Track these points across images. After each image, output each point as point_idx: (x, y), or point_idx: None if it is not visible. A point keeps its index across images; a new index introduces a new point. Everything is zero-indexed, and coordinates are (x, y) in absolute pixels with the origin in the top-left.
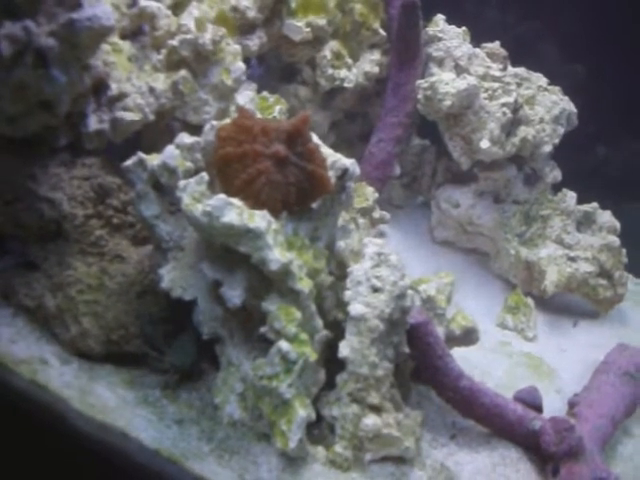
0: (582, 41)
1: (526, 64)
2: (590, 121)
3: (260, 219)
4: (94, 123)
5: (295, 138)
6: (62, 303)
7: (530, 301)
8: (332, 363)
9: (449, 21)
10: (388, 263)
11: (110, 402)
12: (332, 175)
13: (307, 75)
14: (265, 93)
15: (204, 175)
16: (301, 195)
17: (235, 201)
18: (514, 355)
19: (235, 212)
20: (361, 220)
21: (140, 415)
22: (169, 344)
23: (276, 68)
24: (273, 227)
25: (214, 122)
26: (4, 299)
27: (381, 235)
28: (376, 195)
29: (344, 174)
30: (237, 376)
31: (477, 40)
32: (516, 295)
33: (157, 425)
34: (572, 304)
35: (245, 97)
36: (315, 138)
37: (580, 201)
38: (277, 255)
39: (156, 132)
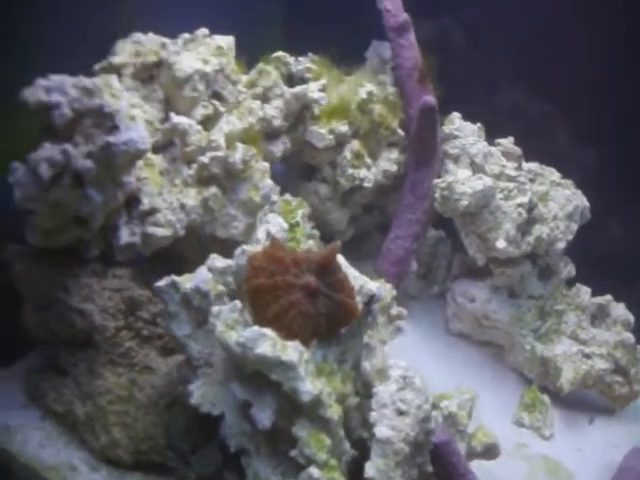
0: (593, 123)
1: (537, 147)
2: (602, 203)
3: (292, 351)
4: (126, 236)
5: (325, 269)
6: (92, 411)
7: (546, 398)
8: (356, 478)
9: (458, 107)
10: (413, 386)
11: None
12: (359, 300)
13: (327, 173)
14: (288, 196)
15: (237, 303)
16: (331, 324)
17: (268, 332)
18: (532, 459)
19: (268, 344)
20: (380, 318)
21: None
22: (195, 453)
23: (297, 166)
24: (305, 358)
25: (245, 247)
26: (32, 400)
27: (398, 331)
28: (394, 292)
29: (371, 300)
30: None
31: (488, 126)
32: (532, 392)
33: None
34: (587, 399)
35: (276, 225)
36: (343, 262)
37: (593, 284)
38: (309, 387)
39: (185, 244)
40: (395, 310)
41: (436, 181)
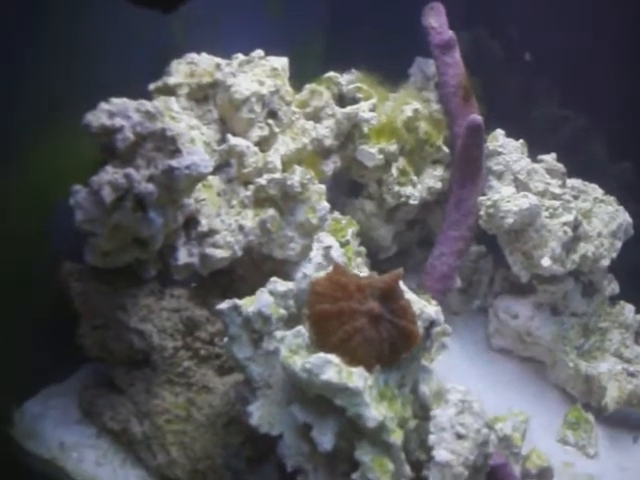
0: (629, 137)
1: (574, 162)
2: None
3: (358, 378)
4: (184, 257)
5: (388, 295)
6: (149, 430)
7: (591, 417)
8: None
9: (499, 124)
10: (471, 410)
11: None
12: (420, 325)
13: (373, 190)
14: (337, 214)
15: (301, 329)
16: (393, 349)
17: (333, 358)
18: (578, 478)
19: (334, 370)
20: None
21: None
22: (252, 472)
23: (343, 182)
24: (369, 383)
25: (306, 271)
26: (87, 416)
27: (443, 347)
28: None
29: (431, 325)
30: None
31: (526, 138)
32: (576, 410)
33: None
34: (631, 417)
35: (337, 251)
36: (406, 292)
37: (633, 300)
38: (374, 413)
39: (239, 265)
40: (440, 327)
41: (481, 198)
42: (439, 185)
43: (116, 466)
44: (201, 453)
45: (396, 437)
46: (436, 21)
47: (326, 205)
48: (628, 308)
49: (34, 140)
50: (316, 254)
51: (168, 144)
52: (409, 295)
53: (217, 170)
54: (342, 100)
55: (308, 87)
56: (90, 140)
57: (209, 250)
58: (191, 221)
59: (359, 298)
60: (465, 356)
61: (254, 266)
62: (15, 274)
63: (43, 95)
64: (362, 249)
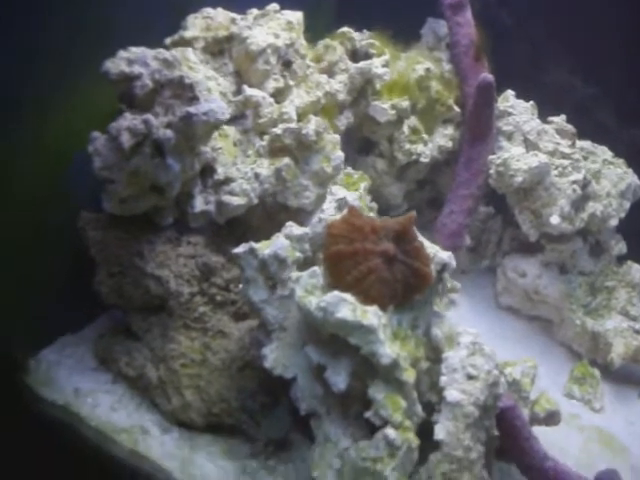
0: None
1: (585, 127)
2: None
3: (372, 316)
4: (200, 204)
5: (402, 236)
6: (164, 375)
7: (597, 372)
8: (421, 439)
9: (504, 86)
10: (482, 352)
11: (211, 473)
12: (432, 268)
13: (384, 148)
14: (349, 169)
15: (316, 269)
16: (406, 290)
17: (348, 297)
18: (585, 429)
19: (349, 308)
20: None
21: None
22: (265, 416)
23: (355, 140)
24: (383, 322)
25: (322, 215)
26: (103, 363)
27: (451, 303)
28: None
29: (443, 268)
30: (334, 452)
31: (539, 105)
32: (582, 366)
33: None
34: (636, 373)
35: (353, 195)
36: (419, 235)
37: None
38: (388, 350)
39: (253, 214)
40: (450, 283)
41: (491, 157)
42: (450, 144)
43: (131, 411)
44: (216, 397)
45: (409, 375)
46: None
47: (340, 154)
48: (635, 268)
49: (51, 93)
50: (329, 206)
51: (186, 91)
52: (423, 240)
53: (233, 121)
54: (355, 56)
55: (322, 42)
56: (108, 92)
57: (225, 197)
58: (208, 169)
59: (374, 239)
60: (473, 314)
61: (269, 217)
62: (33, 225)
63: (60, 48)
64: (374, 205)
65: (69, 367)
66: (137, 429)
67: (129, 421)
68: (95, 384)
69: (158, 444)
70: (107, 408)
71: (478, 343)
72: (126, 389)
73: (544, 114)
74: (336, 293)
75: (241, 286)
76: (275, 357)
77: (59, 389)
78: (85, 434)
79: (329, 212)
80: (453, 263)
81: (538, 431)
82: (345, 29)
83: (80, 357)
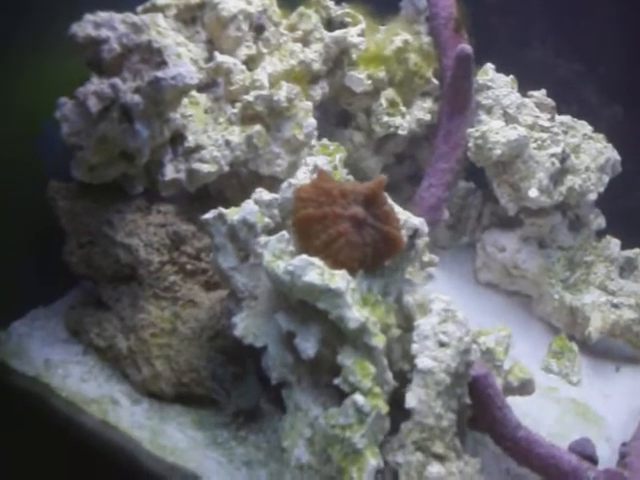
0: (621, 82)
1: (566, 104)
2: (629, 162)
3: (340, 279)
4: (171, 172)
5: (372, 201)
6: (134, 345)
7: (574, 346)
8: (393, 408)
9: (492, 60)
10: (455, 319)
11: (181, 443)
12: (404, 234)
13: (362, 121)
14: (325, 140)
15: (284, 233)
16: (377, 255)
17: (316, 261)
18: (561, 401)
19: (316, 272)
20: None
21: (210, 457)
22: (235, 386)
23: (332, 113)
24: (351, 286)
25: (292, 180)
26: (74, 335)
27: (429, 277)
28: (426, 239)
29: (415, 234)
30: (305, 421)
31: (519, 82)
32: (560, 340)
33: (227, 467)
34: (614, 348)
35: (323, 159)
36: (389, 199)
37: (622, 239)
38: (356, 314)
39: (226, 184)
40: (427, 257)
41: (470, 130)
42: (428, 117)
43: (101, 382)
44: (186, 366)
45: (378, 340)
46: None
47: (312, 121)
48: (614, 242)
49: (19, 60)
50: (304, 176)
51: (154, 56)
52: (394, 206)
53: (204, 88)
54: (330, 25)
55: (297, 11)
56: (76, 60)
57: (196, 165)
58: (178, 137)
59: (343, 203)
60: (452, 289)
61: (241, 187)
62: (1, 195)
63: (28, 13)
64: (350, 178)
65: (40, 339)
66: (107, 400)
67: (99, 392)
68: (66, 355)
69: (128, 414)
70: (77, 379)
71: (450, 310)
72: (97, 360)
73: (526, 90)
74: (304, 257)
75: (211, 254)
76: (245, 326)
77: (29, 361)
78: (55, 405)
79: (304, 179)
80: (425, 229)
81: (514, 404)
82: None
83: (51, 329)
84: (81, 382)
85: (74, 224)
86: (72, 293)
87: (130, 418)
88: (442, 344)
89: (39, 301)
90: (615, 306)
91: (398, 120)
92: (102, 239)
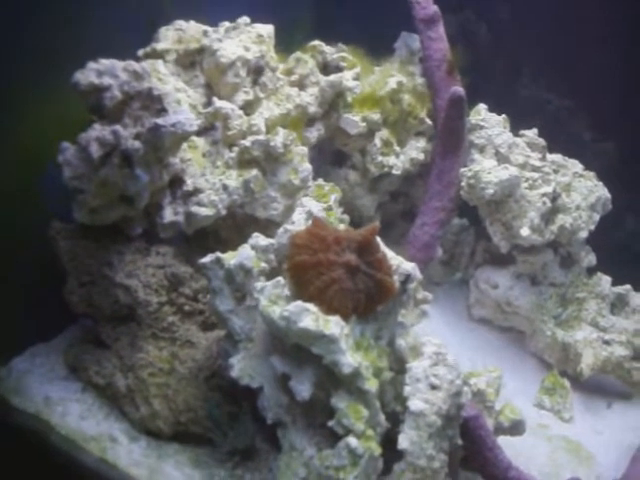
0: (612, 117)
1: (557, 140)
2: (621, 195)
3: (334, 325)
4: (169, 215)
5: (365, 248)
6: (133, 384)
7: (566, 382)
8: (386, 449)
9: (481, 98)
10: (445, 362)
11: None
12: (396, 279)
13: (357, 160)
14: (321, 181)
15: (280, 279)
16: (369, 300)
17: (311, 307)
18: (553, 439)
19: (311, 318)
20: None
21: None
22: (231, 425)
23: (328, 152)
24: (345, 332)
25: (288, 226)
26: (72, 372)
27: (423, 315)
28: (420, 278)
29: (407, 279)
30: (300, 461)
31: (511, 118)
32: (552, 376)
33: None
34: (606, 384)
35: (317, 207)
36: (381, 245)
37: (613, 274)
38: (349, 359)
39: (222, 226)
40: (421, 294)
41: (463, 170)
42: (422, 156)
43: (100, 419)
44: (184, 406)
45: (371, 385)
46: None
47: (308, 167)
48: (605, 279)
49: (22, 103)
50: (299, 217)
51: (154, 103)
52: (386, 251)
53: (203, 132)
54: (326, 69)
55: (293, 55)
56: (79, 102)
57: (194, 208)
58: (177, 180)
59: (337, 250)
60: (446, 325)
61: (238, 229)
62: (4, 234)
63: (32, 59)
64: (345, 217)
65: (40, 376)
66: (106, 437)
67: (98, 429)
68: (65, 393)
69: (126, 452)
70: (77, 417)
71: (441, 353)
72: (95, 398)
73: (520, 127)
74: (299, 303)
75: (208, 296)
76: (241, 367)
77: (30, 397)
78: (55, 442)
79: (299, 223)
80: (417, 274)
81: (507, 441)
82: (316, 42)
83: (51, 366)
84: (80, 420)
85: (75, 264)
86: (71, 329)
87: (128, 456)
88: (434, 387)
89: (39, 337)
90: (606, 343)
91: (392, 160)
92: (102, 279)
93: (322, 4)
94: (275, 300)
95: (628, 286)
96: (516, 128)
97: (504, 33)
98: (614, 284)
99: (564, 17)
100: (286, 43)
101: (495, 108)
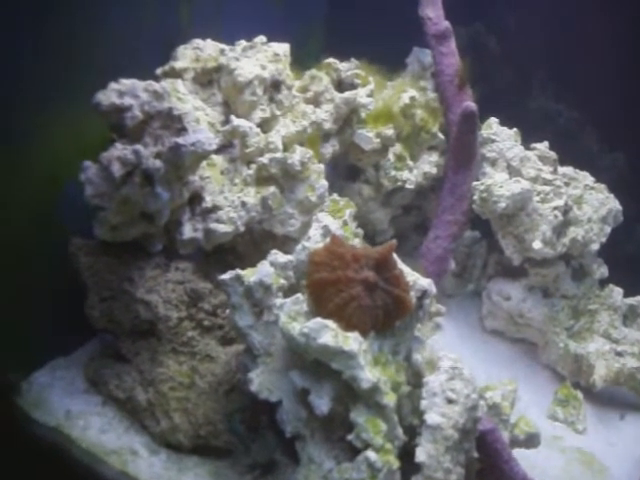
0: (621, 128)
1: (568, 152)
2: (630, 209)
3: (353, 342)
4: (189, 232)
5: (383, 265)
6: (153, 398)
7: (579, 394)
8: (404, 462)
9: (491, 112)
10: (462, 377)
11: None
12: (413, 295)
13: (370, 175)
14: (335, 196)
15: (299, 296)
16: (387, 317)
17: (330, 323)
18: (567, 451)
19: (330, 334)
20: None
21: None
22: (252, 439)
23: (342, 167)
24: (363, 348)
25: (306, 243)
26: (93, 386)
27: (437, 327)
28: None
29: (423, 295)
30: (319, 474)
31: (522, 130)
32: (565, 388)
33: None
34: (618, 395)
35: (335, 224)
36: (398, 262)
37: (622, 285)
38: (368, 375)
39: (240, 242)
40: (434, 307)
41: (475, 184)
42: (434, 170)
43: (120, 433)
44: (203, 419)
45: (389, 399)
46: (432, 12)
47: (325, 183)
48: (617, 291)
49: (45, 122)
50: (315, 233)
51: (174, 122)
52: (403, 267)
53: (221, 150)
54: (341, 86)
55: (308, 73)
56: (100, 121)
57: (213, 225)
58: (196, 198)
59: (355, 267)
60: (459, 337)
61: (255, 245)
62: (25, 250)
63: (53, 79)
64: (360, 231)
65: (60, 389)
66: (126, 451)
67: (119, 443)
68: (86, 406)
69: (147, 465)
70: (97, 430)
71: (458, 368)
72: (116, 411)
73: (530, 139)
74: (318, 319)
75: (228, 311)
76: (261, 381)
77: (51, 411)
78: (76, 455)
79: (315, 239)
80: (433, 289)
81: (520, 453)
82: (331, 60)
83: (71, 380)
84: (101, 433)
85: (96, 279)
86: (91, 343)
87: (149, 469)
88: (450, 401)
89: (59, 351)
90: (619, 354)
91: (405, 174)
92: (123, 295)
93: (335, 20)
94: (295, 317)
95: None
96: (527, 140)
97: (513, 45)
98: (627, 295)
99: (573, 29)
100: (299, 58)
101: (505, 120)
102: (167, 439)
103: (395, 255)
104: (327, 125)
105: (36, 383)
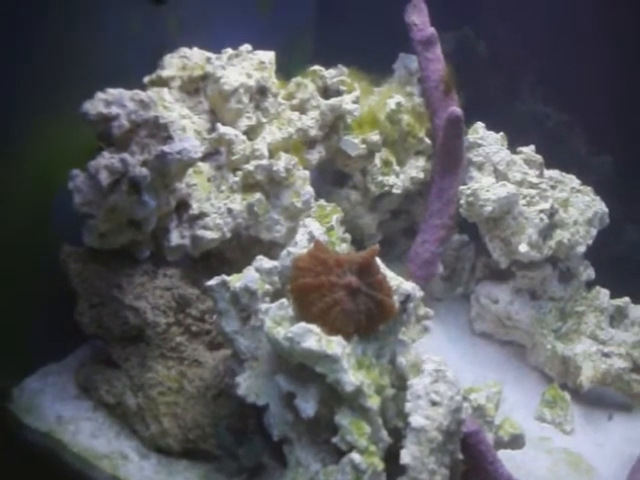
0: (608, 131)
1: (556, 155)
2: (619, 208)
3: (336, 345)
4: (176, 238)
5: (366, 269)
6: (143, 402)
7: (567, 395)
8: (389, 464)
9: (479, 116)
10: (445, 379)
11: None
12: (396, 299)
13: (358, 180)
14: (322, 201)
15: (284, 301)
16: (370, 321)
17: (314, 328)
18: (554, 451)
19: (314, 339)
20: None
21: None
22: (239, 443)
23: (329, 173)
24: (347, 351)
25: (291, 249)
26: (84, 392)
27: (425, 330)
28: (421, 293)
29: (406, 299)
30: (306, 476)
31: (509, 133)
32: (553, 389)
33: None
34: (606, 396)
35: (319, 230)
36: (382, 267)
37: (611, 287)
38: (351, 378)
39: (227, 247)
40: (422, 310)
41: (461, 188)
42: (421, 175)
43: (111, 437)
44: (192, 423)
45: (373, 402)
46: (418, 18)
47: (310, 190)
48: (603, 293)
49: (34, 130)
50: (301, 238)
51: (161, 131)
52: (386, 272)
53: (207, 157)
54: (326, 92)
55: (294, 80)
56: (87, 130)
57: (200, 232)
58: (183, 205)
59: (338, 272)
60: (448, 340)
61: (242, 251)
62: (17, 257)
63: (40, 89)
64: (347, 236)
65: (52, 395)
66: (117, 455)
67: (109, 447)
68: (77, 412)
69: (137, 469)
70: (88, 435)
71: (442, 370)
72: (106, 416)
73: (519, 142)
74: (302, 324)
75: (215, 317)
76: (248, 385)
77: (42, 417)
78: (68, 460)
79: (302, 244)
80: (417, 293)
81: (507, 454)
82: (316, 67)
83: (62, 385)
84: (92, 438)
85: (85, 286)
86: (82, 349)
87: (139, 473)
88: (434, 403)
89: (50, 357)
90: (606, 355)
91: (392, 179)
92: (112, 301)
93: (322, 27)
94: (279, 321)
95: (627, 298)
96: (516, 143)
97: (502, 49)
98: (617, 296)
99: (562, 33)
100: (286, 66)
101: (493, 123)
102: (157, 443)
103: (379, 260)
104: (313, 132)
105: (28, 389)
